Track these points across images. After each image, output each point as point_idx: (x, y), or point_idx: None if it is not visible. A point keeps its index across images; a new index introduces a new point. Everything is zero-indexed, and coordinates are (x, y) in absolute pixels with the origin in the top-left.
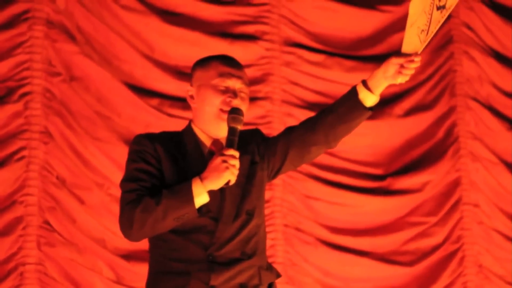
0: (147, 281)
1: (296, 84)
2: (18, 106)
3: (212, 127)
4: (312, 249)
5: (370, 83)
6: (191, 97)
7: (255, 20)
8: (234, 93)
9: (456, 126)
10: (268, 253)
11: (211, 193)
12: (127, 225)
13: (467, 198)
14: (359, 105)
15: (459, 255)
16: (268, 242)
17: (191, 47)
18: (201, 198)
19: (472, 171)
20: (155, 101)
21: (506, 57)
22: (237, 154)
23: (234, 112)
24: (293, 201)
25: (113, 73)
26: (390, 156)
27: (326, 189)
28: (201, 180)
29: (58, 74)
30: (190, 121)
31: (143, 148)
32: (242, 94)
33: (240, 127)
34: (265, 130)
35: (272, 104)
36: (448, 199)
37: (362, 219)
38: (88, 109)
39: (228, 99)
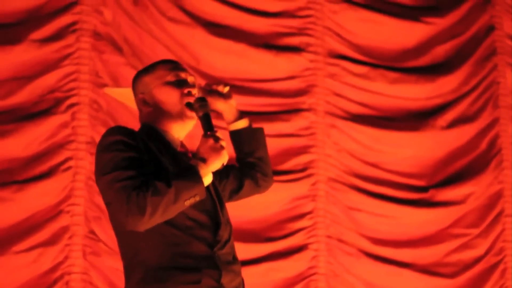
0: (142, 277)
1: (340, 95)
2: (66, 117)
3: (177, 124)
4: (355, 260)
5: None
6: (144, 102)
7: (299, 32)
8: (190, 84)
9: (499, 137)
10: (310, 264)
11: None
12: (137, 212)
13: (509, 210)
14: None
15: (501, 267)
16: (311, 253)
17: (237, 58)
18: (207, 179)
19: None
20: None
21: None
22: (221, 135)
23: (199, 101)
24: (336, 212)
25: None
26: (433, 167)
27: (368, 200)
28: (204, 162)
29: (105, 85)
30: (148, 123)
31: (128, 139)
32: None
33: (209, 112)
34: (309, 142)
35: (316, 115)
36: (490, 211)
37: (405, 230)
38: (134, 120)
39: (187, 91)
